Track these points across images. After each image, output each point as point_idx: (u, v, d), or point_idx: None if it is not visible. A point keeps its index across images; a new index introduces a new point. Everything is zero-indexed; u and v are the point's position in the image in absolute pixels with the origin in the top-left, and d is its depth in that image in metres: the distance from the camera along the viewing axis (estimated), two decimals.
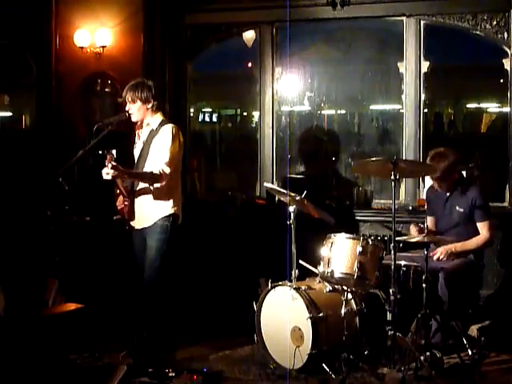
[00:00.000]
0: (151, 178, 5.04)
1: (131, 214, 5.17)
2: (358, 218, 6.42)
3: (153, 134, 5.19)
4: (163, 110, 5.56)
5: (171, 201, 5.17)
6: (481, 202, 5.26)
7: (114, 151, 4.83)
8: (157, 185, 5.09)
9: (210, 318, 6.01)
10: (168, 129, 5.14)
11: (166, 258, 5.15)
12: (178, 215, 5.23)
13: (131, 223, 5.23)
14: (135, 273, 5.30)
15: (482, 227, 5.24)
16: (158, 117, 5.26)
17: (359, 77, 6.81)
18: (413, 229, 5.39)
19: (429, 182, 5.72)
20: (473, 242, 5.24)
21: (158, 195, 5.13)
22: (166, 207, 5.16)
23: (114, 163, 4.81)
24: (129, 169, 5.07)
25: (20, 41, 7.24)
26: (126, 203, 5.15)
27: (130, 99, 5.17)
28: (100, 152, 4.79)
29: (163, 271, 5.14)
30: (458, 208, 5.31)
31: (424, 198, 5.94)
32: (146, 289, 5.15)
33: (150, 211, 5.15)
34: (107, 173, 4.85)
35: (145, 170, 5.13)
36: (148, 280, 5.14)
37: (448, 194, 5.37)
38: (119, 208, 5.21)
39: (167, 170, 5.00)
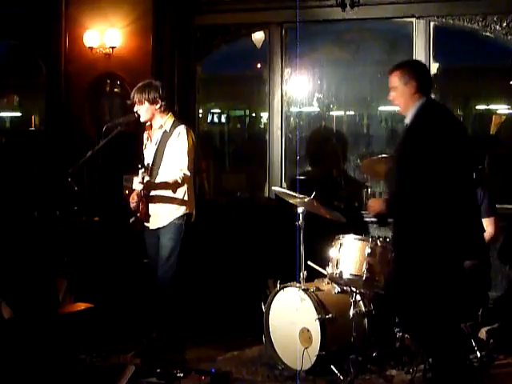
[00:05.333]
0: (176, 184, 5.10)
1: (147, 216, 5.20)
2: (367, 219, 6.40)
3: (166, 135, 5.22)
4: (172, 111, 5.57)
5: (185, 200, 5.20)
6: (487, 198, 5.26)
7: (149, 163, 5.03)
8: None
9: (218, 318, 6.02)
10: (183, 131, 5.18)
11: (180, 257, 5.17)
12: (191, 214, 5.28)
13: (146, 224, 5.25)
14: (148, 273, 5.31)
15: (488, 223, 5.22)
16: (170, 118, 5.28)
17: (368, 78, 6.77)
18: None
19: None
20: None
21: (173, 196, 5.17)
22: (181, 207, 5.20)
23: (148, 177, 4.93)
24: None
25: (29, 41, 7.26)
26: (141, 205, 5.15)
27: (137, 101, 5.20)
28: (139, 166, 4.92)
29: (177, 270, 5.16)
30: None
31: None
32: (161, 288, 5.16)
33: (165, 211, 5.19)
34: (139, 183, 4.98)
35: (160, 170, 5.18)
36: (162, 279, 5.16)
37: None
38: (132, 207, 5.20)
39: (189, 173, 5.11)
